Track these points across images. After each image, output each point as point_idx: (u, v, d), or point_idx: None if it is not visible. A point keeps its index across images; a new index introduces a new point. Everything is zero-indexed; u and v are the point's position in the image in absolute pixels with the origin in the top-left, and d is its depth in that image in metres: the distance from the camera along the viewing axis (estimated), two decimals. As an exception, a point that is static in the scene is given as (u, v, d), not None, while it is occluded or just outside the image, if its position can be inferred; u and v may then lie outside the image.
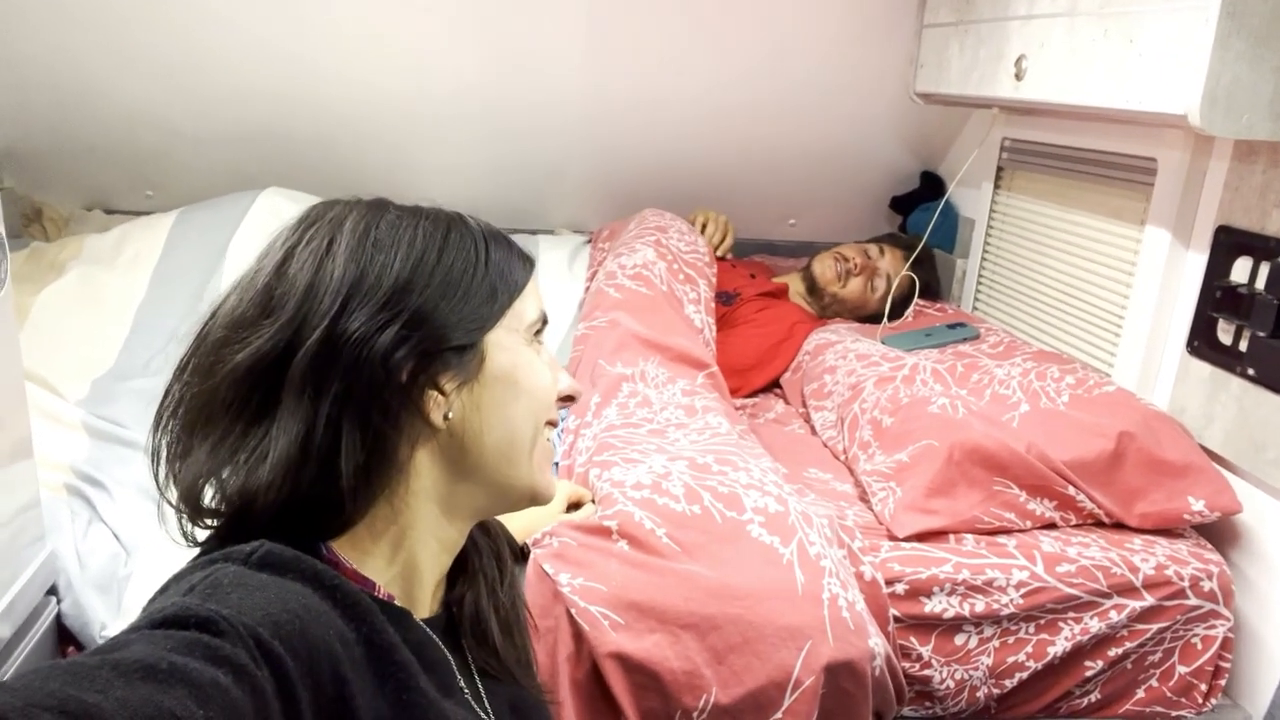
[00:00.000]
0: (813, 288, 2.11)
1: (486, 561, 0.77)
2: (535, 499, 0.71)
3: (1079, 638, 1.23)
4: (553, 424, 0.72)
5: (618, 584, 1.05)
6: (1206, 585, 1.27)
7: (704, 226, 2.16)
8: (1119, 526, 1.35)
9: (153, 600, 0.54)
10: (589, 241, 2.19)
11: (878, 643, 1.08)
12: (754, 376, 1.93)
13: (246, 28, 1.88)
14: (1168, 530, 1.34)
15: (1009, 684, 1.24)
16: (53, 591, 1.07)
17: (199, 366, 0.61)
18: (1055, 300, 1.81)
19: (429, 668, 0.63)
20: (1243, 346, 1.34)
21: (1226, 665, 1.29)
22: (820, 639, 1.03)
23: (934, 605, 1.21)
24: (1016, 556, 1.25)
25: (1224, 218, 1.40)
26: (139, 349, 1.61)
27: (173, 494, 0.61)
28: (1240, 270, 1.36)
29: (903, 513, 1.30)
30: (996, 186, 2.04)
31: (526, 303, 0.69)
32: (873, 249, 2.12)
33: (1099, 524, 1.36)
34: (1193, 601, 1.26)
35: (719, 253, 2.13)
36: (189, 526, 0.62)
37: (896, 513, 1.30)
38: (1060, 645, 1.23)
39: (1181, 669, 1.28)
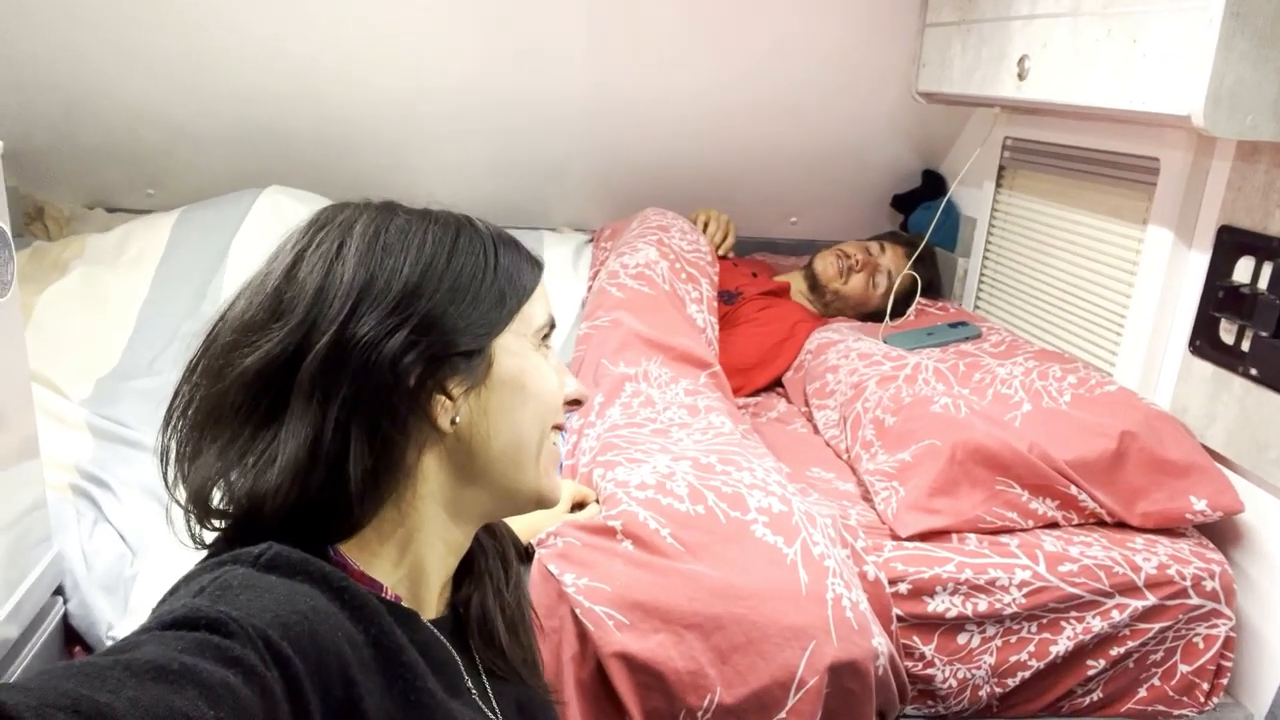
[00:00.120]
0: (814, 285, 2.11)
1: (492, 562, 0.77)
2: (541, 502, 0.71)
3: (1081, 637, 1.24)
4: (559, 428, 0.72)
5: (622, 584, 1.05)
6: (1208, 585, 1.27)
7: (706, 225, 2.16)
8: (1121, 526, 1.35)
9: (162, 602, 0.55)
10: (591, 240, 2.19)
11: (881, 642, 1.09)
12: (756, 375, 1.93)
13: (248, 27, 1.88)
14: (1170, 530, 1.35)
15: (1011, 683, 1.24)
16: (59, 592, 1.07)
17: (208, 369, 0.62)
18: (1057, 299, 1.82)
19: (436, 668, 0.63)
20: (1245, 346, 1.34)
21: (1228, 664, 1.30)
22: (824, 639, 1.04)
23: (937, 605, 1.22)
24: (1019, 556, 1.26)
25: (1226, 218, 1.41)
26: (142, 348, 1.61)
27: (181, 494, 0.62)
28: (1242, 270, 1.36)
29: (905, 512, 1.30)
30: (998, 185, 2.04)
31: (535, 307, 0.69)
32: (874, 246, 2.12)
33: (1101, 523, 1.36)
34: (1195, 601, 1.27)
35: (721, 251, 2.13)
36: (197, 528, 0.62)
37: (899, 512, 1.31)
38: (1062, 644, 1.24)
39: (1183, 668, 1.28)
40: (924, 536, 1.28)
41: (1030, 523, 1.33)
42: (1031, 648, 1.24)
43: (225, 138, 2.08)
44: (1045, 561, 1.25)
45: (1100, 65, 1.45)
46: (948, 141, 2.32)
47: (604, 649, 1.01)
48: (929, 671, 1.22)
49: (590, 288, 1.92)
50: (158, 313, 1.69)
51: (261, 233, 1.81)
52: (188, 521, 0.62)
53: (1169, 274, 1.50)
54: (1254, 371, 1.32)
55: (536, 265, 0.71)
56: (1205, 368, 1.42)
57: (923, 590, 1.22)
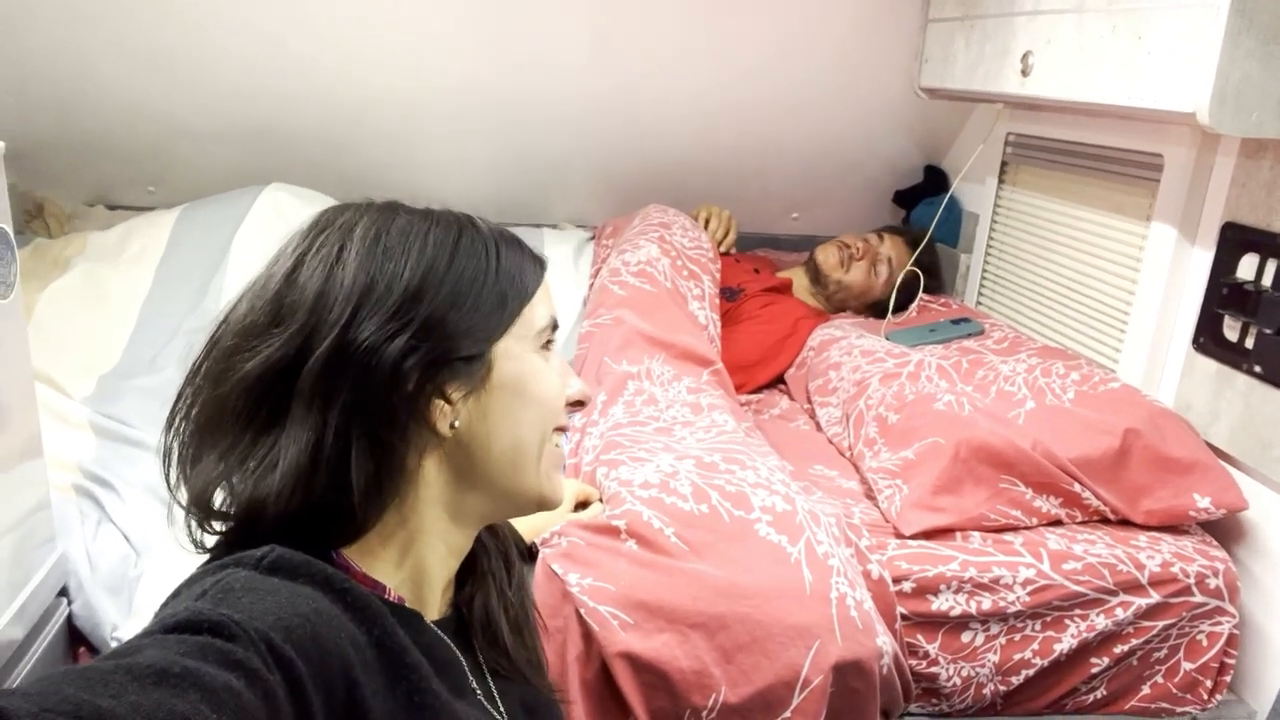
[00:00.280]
0: (817, 277, 2.11)
1: (495, 563, 0.77)
2: (544, 504, 0.71)
3: (1085, 635, 1.24)
4: (562, 430, 0.72)
5: (626, 584, 1.05)
6: (1212, 582, 1.27)
7: (707, 222, 2.16)
8: (1125, 523, 1.35)
9: (164, 605, 0.55)
10: (592, 237, 2.19)
11: (885, 641, 1.09)
12: (758, 372, 1.93)
13: (249, 24, 1.87)
14: (1173, 527, 1.35)
15: (1015, 681, 1.24)
16: (64, 593, 1.07)
17: (210, 372, 0.61)
18: (1060, 296, 1.81)
19: (440, 669, 0.63)
20: (1249, 343, 1.34)
21: (1232, 661, 1.30)
22: (829, 638, 1.04)
23: (941, 603, 1.22)
24: (1023, 554, 1.26)
25: (1230, 214, 1.40)
26: (144, 346, 1.61)
27: (183, 497, 0.62)
28: (1246, 267, 1.36)
29: (909, 510, 1.30)
30: (1001, 181, 2.03)
31: (537, 308, 0.68)
32: (873, 236, 2.13)
33: (1105, 521, 1.36)
34: (1198, 598, 1.27)
35: (722, 248, 2.13)
36: (198, 532, 0.62)
37: (903, 510, 1.31)
38: (1066, 642, 1.24)
39: (1187, 665, 1.28)
40: (928, 535, 1.28)
41: (1034, 520, 1.33)
42: (1035, 646, 1.24)
43: (226, 134, 2.08)
44: (1049, 559, 1.25)
45: (1105, 62, 1.45)
46: (950, 137, 2.32)
47: (609, 649, 1.01)
48: (933, 670, 1.22)
49: (592, 285, 1.92)
50: (159, 310, 1.68)
51: (263, 230, 1.80)
52: (189, 525, 0.62)
53: (1173, 271, 1.50)
54: (1258, 368, 1.32)
55: (539, 264, 0.71)
56: (1209, 365, 1.42)
57: (927, 589, 1.22)
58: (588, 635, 1.03)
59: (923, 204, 2.33)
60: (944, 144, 2.34)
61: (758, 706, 1.03)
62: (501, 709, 0.70)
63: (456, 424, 0.63)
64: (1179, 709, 1.30)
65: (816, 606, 1.06)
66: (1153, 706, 1.30)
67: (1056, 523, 1.35)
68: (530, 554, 1.09)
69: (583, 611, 1.03)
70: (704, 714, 1.02)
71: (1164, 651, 1.29)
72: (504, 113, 2.09)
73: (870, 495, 1.41)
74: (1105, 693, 1.29)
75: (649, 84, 2.08)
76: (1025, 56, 1.64)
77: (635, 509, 1.13)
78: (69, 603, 1.07)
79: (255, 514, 0.59)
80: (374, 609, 0.58)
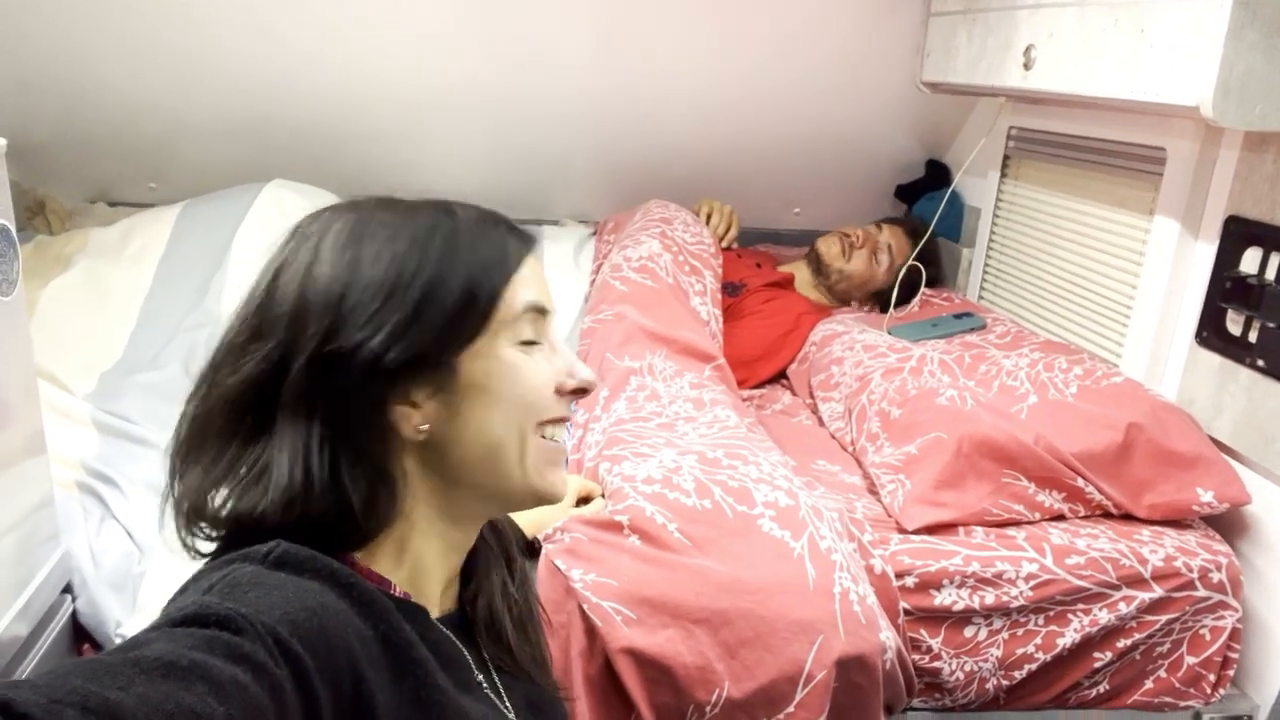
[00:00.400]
0: (819, 268, 2.12)
1: (497, 560, 0.77)
2: (539, 501, 0.69)
3: (1088, 629, 1.24)
4: (557, 422, 0.69)
5: (629, 579, 1.05)
6: (1215, 576, 1.27)
7: (709, 217, 2.15)
8: (1128, 518, 1.35)
9: (172, 600, 0.55)
10: (594, 233, 2.18)
11: (889, 636, 1.09)
12: (761, 368, 1.93)
13: (250, 19, 1.87)
14: (1176, 521, 1.35)
15: (1018, 675, 1.24)
16: (68, 590, 1.07)
17: (195, 392, 0.63)
18: (1062, 291, 1.81)
19: (446, 664, 0.64)
20: (1252, 337, 1.34)
21: (1235, 656, 1.30)
22: (832, 633, 1.04)
23: (944, 598, 1.22)
24: (1026, 549, 1.25)
25: (1234, 208, 1.40)
26: (146, 343, 1.61)
27: (178, 509, 0.63)
28: (1250, 261, 1.36)
29: (912, 505, 1.30)
30: (1003, 175, 2.03)
31: (517, 294, 0.65)
32: (871, 226, 2.14)
33: (1108, 515, 1.36)
34: (1201, 593, 1.27)
35: (724, 243, 2.13)
36: (191, 540, 0.63)
37: (906, 505, 1.31)
38: (1069, 637, 1.24)
39: (1190, 660, 1.28)
40: (930, 529, 1.28)
41: (1037, 515, 1.33)
42: (1038, 640, 1.24)
43: (227, 131, 2.07)
44: (1052, 554, 1.25)
45: (1107, 55, 1.44)
46: (952, 131, 2.31)
47: (612, 645, 1.01)
48: (936, 664, 1.22)
49: (593, 281, 1.92)
50: (161, 307, 1.68)
51: (264, 227, 1.80)
52: (180, 534, 0.63)
53: (1175, 264, 1.49)
54: (1261, 363, 1.31)
55: (525, 242, 0.68)
56: (1212, 359, 1.42)
57: (929, 583, 1.22)
58: (591, 631, 1.03)
59: (925, 199, 2.33)
60: (946, 138, 2.33)
61: (761, 702, 1.03)
62: (508, 704, 0.70)
63: (424, 427, 0.63)
64: (1182, 703, 1.30)
65: (820, 602, 1.06)
66: (1156, 701, 1.30)
67: (1059, 517, 1.35)
68: (533, 550, 1.09)
69: (586, 608, 1.03)
70: (707, 709, 1.02)
71: (1167, 646, 1.29)
72: (506, 108, 2.09)
73: (873, 490, 1.41)
74: (1108, 687, 1.29)
75: (650, 79, 2.07)
76: (1027, 50, 1.64)
77: (638, 504, 1.13)
78: (73, 600, 1.07)
79: (252, 524, 0.59)
80: (380, 604, 0.58)
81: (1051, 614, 1.24)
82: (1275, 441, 1.30)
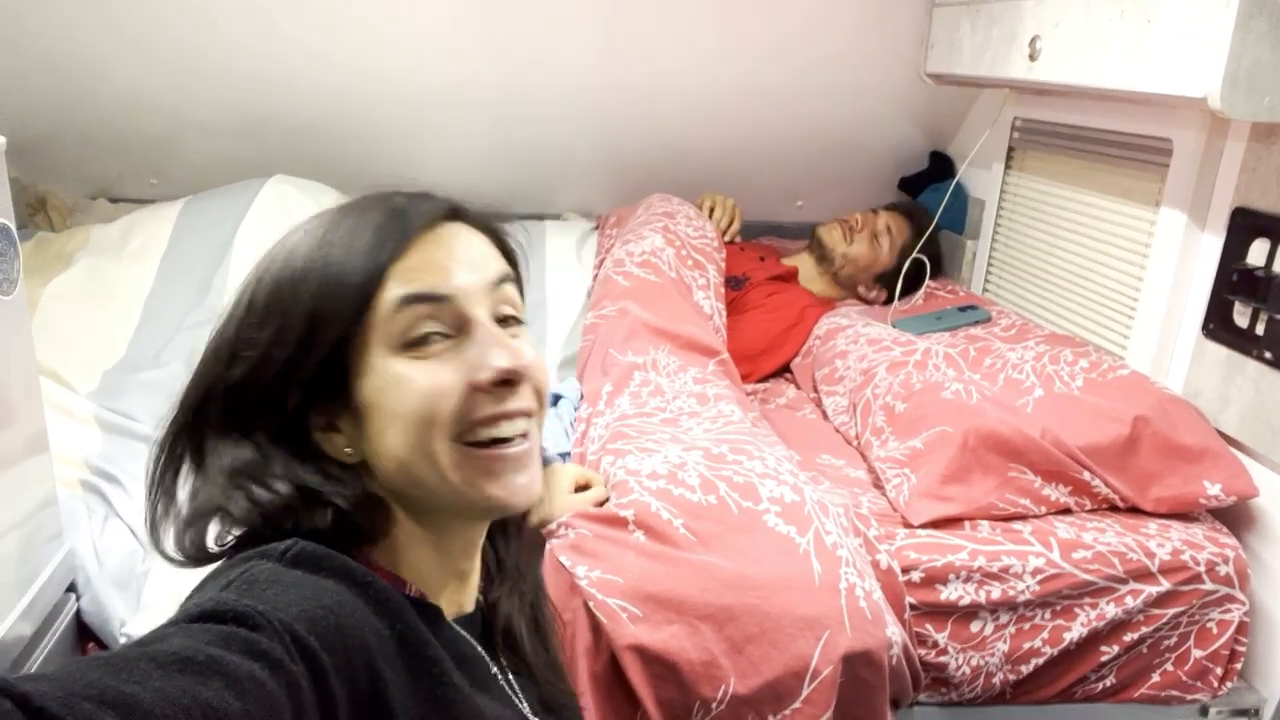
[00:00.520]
0: (823, 255, 2.11)
1: (509, 564, 0.77)
2: (488, 511, 0.65)
3: (1095, 623, 1.23)
4: (489, 421, 0.60)
5: (635, 576, 1.05)
6: (1222, 570, 1.26)
7: (711, 210, 2.15)
8: (1134, 511, 1.35)
9: (190, 596, 0.56)
10: (596, 228, 2.18)
11: (895, 632, 1.09)
12: (764, 362, 1.92)
13: (252, 16, 1.86)
14: (1183, 515, 1.34)
15: (1025, 670, 1.24)
16: (72, 589, 1.07)
17: (186, 404, 0.65)
18: (1068, 283, 1.80)
19: (461, 663, 0.63)
20: (1259, 330, 1.33)
21: (1242, 649, 1.29)
22: (838, 629, 1.04)
23: (950, 593, 1.21)
24: (1032, 543, 1.25)
25: (1241, 199, 1.39)
26: (148, 341, 1.61)
27: (175, 519, 0.65)
28: (1257, 252, 1.35)
29: (918, 500, 1.30)
30: (1007, 167, 2.02)
31: (388, 290, 0.59)
32: (868, 212, 2.15)
33: (1114, 509, 1.35)
34: (1208, 586, 1.26)
35: (727, 237, 2.12)
36: (172, 551, 0.65)
37: (911, 500, 1.30)
38: (1076, 631, 1.23)
39: (1197, 653, 1.28)
40: (936, 524, 1.28)
41: (1043, 509, 1.32)
42: (1045, 634, 1.23)
43: (229, 127, 2.07)
44: (1059, 548, 1.24)
45: (1113, 46, 1.43)
46: (956, 122, 2.30)
47: (618, 642, 1.01)
48: (942, 659, 1.22)
49: (596, 276, 1.91)
50: (163, 305, 1.68)
51: (266, 223, 1.79)
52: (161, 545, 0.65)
53: (1182, 256, 1.49)
54: (1268, 355, 1.31)
55: (405, 226, 0.61)
56: (1219, 351, 1.41)
57: (936, 578, 1.21)
58: (596, 628, 1.02)
59: (928, 190, 2.32)
60: (950, 129, 2.32)
61: (767, 697, 1.02)
62: (523, 703, 0.70)
63: (348, 450, 0.62)
64: (1189, 696, 1.30)
65: (825, 597, 1.05)
66: (1162, 694, 1.29)
67: (1065, 511, 1.34)
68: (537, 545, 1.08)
69: (591, 605, 1.02)
70: (713, 705, 1.02)
71: (1174, 639, 1.28)
72: (508, 103, 2.08)
73: (878, 484, 1.41)
74: (1115, 681, 1.28)
75: (653, 73, 2.06)
76: (1033, 41, 1.63)
77: (643, 500, 1.12)
78: (77, 598, 1.07)
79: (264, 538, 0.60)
80: (395, 603, 0.59)
81: (1058, 608, 1.24)
82: (1283, 434, 1.29)
